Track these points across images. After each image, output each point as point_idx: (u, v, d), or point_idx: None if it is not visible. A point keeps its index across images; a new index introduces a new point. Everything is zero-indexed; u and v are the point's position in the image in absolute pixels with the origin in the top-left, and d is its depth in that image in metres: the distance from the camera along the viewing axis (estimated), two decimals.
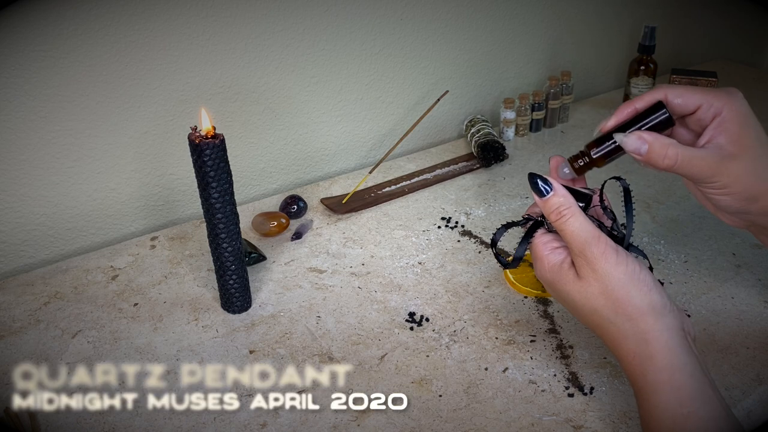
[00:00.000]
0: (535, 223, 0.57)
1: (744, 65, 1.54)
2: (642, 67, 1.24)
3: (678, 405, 0.49)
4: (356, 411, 0.63)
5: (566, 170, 0.59)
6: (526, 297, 0.78)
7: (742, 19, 1.61)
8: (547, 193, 0.53)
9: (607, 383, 0.66)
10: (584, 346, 0.70)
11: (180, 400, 0.64)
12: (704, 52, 1.59)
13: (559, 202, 0.52)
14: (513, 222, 0.61)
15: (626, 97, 1.28)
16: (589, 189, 0.59)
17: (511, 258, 0.60)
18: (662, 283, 0.55)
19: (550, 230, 0.57)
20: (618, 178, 0.58)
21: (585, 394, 0.64)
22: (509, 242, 0.88)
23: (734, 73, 1.45)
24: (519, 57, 1.24)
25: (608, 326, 0.52)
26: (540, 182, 0.53)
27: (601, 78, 1.41)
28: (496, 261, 0.64)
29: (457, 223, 0.93)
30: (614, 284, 0.50)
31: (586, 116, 1.27)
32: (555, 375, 0.67)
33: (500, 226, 0.62)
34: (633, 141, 0.53)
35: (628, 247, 0.55)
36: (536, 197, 0.54)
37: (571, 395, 0.64)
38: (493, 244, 0.61)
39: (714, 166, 0.53)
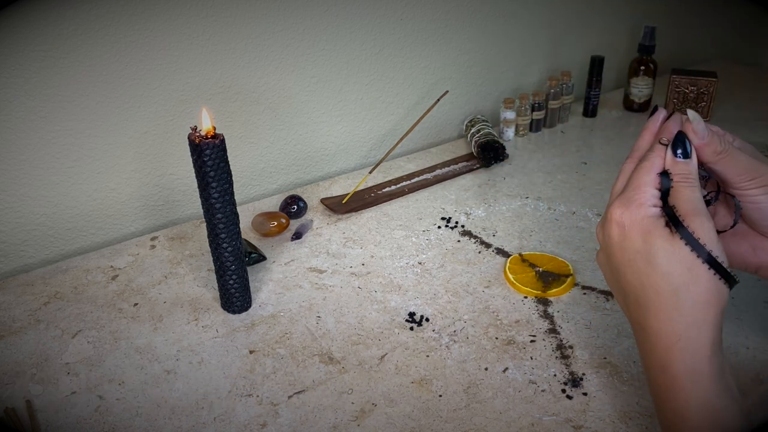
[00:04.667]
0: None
1: (744, 65, 1.54)
2: (642, 67, 1.24)
3: (716, 397, 0.49)
4: (356, 411, 0.63)
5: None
6: (526, 297, 0.78)
7: (742, 19, 1.61)
8: (686, 157, 0.54)
9: (608, 383, 0.66)
10: (584, 346, 0.70)
11: (180, 400, 0.65)
12: (704, 52, 1.59)
13: (691, 170, 0.54)
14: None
15: (626, 97, 1.28)
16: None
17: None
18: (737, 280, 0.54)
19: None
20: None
21: (585, 395, 0.64)
22: (509, 241, 0.88)
23: (734, 73, 1.45)
24: (519, 57, 1.24)
25: (668, 297, 0.51)
26: (688, 145, 0.54)
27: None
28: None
29: (457, 223, 0.93)
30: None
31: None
32: (555, 375, 0.67)
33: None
34: (701, 125, 0.55)
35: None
36: (671, 154, 0.54)
37: (570, 396, 0.64)
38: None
39: (757, 163, 0.54)
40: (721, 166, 0.54)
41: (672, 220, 0.52)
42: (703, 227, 0.50)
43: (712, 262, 0.50)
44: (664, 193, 0.54)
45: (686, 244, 0.50)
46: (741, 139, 0.57)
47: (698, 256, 0.50)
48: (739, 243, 0.57)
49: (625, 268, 0.54)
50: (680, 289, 0.50)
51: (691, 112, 0.55)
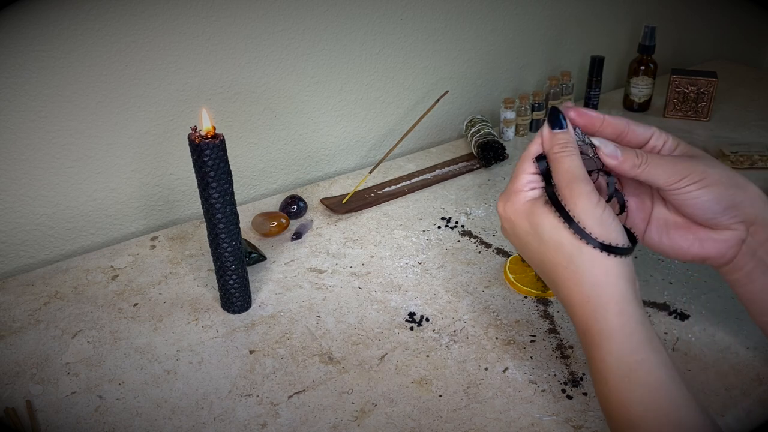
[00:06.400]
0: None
1: (744, 65, 1.54)
2: (642, 67, 1.24)
3: (631, 352, 0.50)
4: (356, 411, 0.63)
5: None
6: (526, 297, 0.78)
7: (742, 19, 1.61)
8: (562, 128, 0.56)
9: None
10: None
11: (180, 400, 0.65)
12: (704, 52, 1.59)
13: (568, 138, 0.55)
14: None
15: (626, 97, 1.28)
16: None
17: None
18: (636, 240, 0.57)
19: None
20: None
21: (585, 395, 0.64)
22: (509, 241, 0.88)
23: (734, 73, 1.45)
24: (519, 57, 1.24)
25: (566, 266, 0.53)
26: (561, 117, 0.56)
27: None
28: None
29: (457, 223, 0.93)
30: (587, 224, 0.52)
31: None
32: (555, 375, 0.67)
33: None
34: (610, 146, 0.56)
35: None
36: (548, 128, 0.56)
37: (570, 396, 0.64)
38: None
39: (683, 163, 0.54)
40: (645, 176, 0.55)
41: (551, 198, 0.54)
42: (580, 197, 0.52)
43: (586, 237, 0.51)
44: (546, 176, 0.55)
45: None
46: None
47: (586, 218, 0.52)
48: (686, 236, 0.58)
49: (527, 252, 0.57)
50: (573, 254, 0.52)
51: (596, 139, 0.56)
